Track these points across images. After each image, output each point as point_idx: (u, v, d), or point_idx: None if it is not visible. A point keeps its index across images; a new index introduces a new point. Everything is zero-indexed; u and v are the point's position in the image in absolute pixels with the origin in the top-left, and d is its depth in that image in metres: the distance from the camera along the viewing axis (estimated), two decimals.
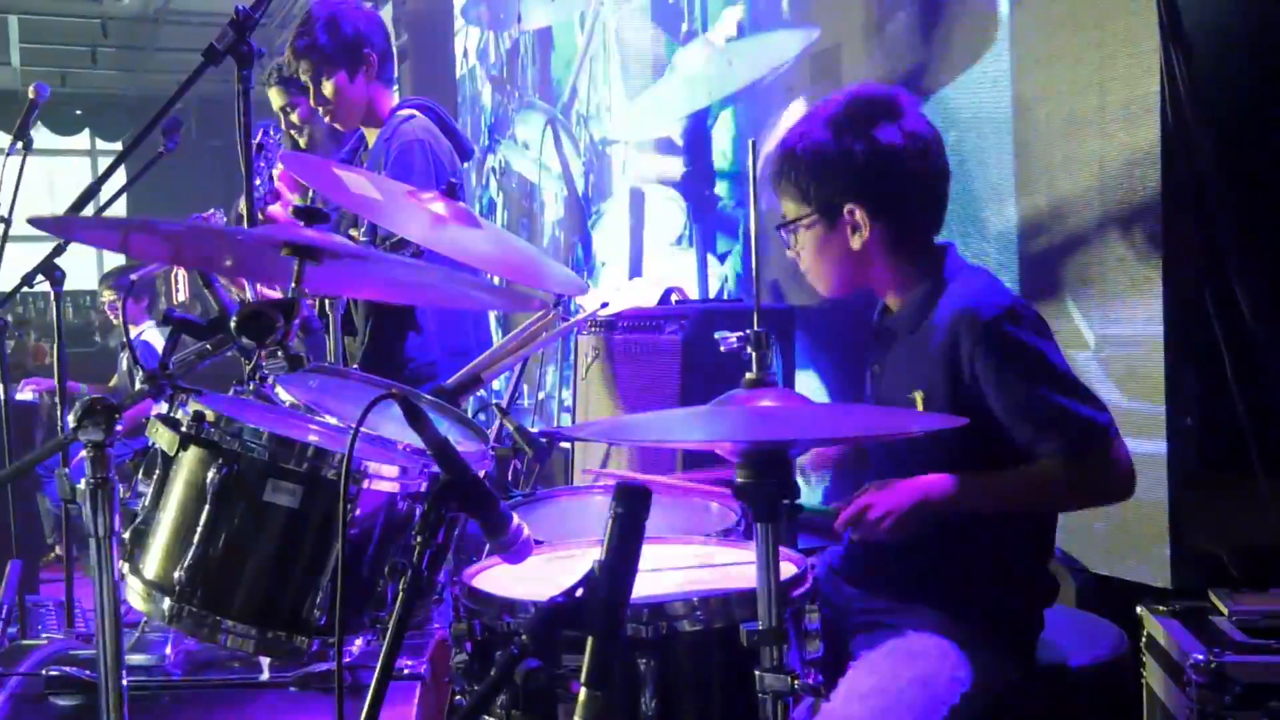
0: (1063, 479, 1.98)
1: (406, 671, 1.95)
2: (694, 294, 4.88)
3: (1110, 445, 1.99)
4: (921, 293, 2.13)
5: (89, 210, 2.99)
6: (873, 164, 2.06)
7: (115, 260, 12.06)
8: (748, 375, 1.65)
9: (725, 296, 4.86)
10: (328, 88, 3.53)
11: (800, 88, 4.34)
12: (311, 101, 3.60)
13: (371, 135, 3.62)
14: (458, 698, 1.85)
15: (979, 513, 2.02)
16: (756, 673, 1.51)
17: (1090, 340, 3.00)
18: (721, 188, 4.97)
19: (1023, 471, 2.00)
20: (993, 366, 1.97)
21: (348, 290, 2.74)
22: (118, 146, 13.38)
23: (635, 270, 5.71)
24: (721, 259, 4.94)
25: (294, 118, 4.11)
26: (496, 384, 2.84)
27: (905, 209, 2.13)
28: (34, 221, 1.63)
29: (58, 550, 6.52)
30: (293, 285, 1.70)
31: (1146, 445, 2.78)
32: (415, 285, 2.19)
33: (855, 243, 2.11)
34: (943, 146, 2.14)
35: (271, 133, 3.42)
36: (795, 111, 4.32)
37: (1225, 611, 2.32)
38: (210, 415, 1.75)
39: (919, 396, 2.08)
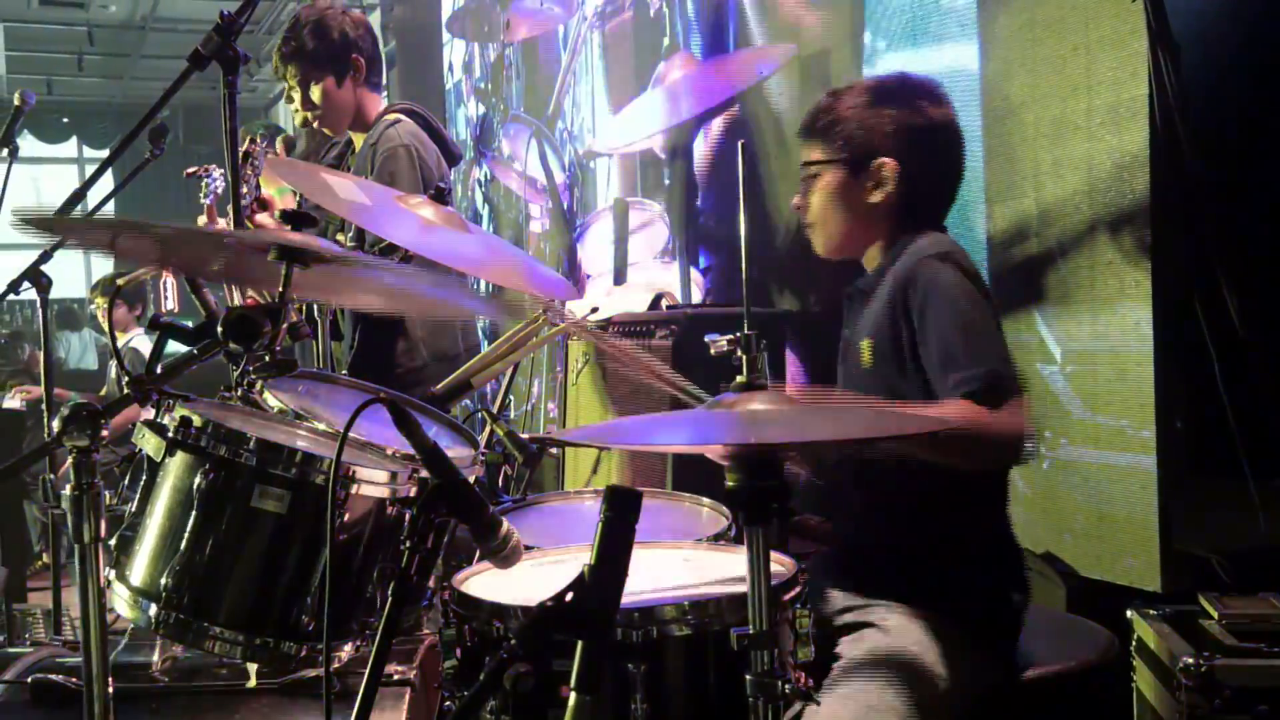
0: (951, 421, 1.89)
1: (395, 677, 1.94)
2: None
3: (998, 400, 1.92)
4: (889, 254, 2.19)
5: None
6: (914, 129, 2.16)
7: (104, 267, 12.04)
8: (738, 378, 1.64)
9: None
10: (315, 93, 3.52)
11: (790, 90, 4.35)
12: (299, 107, 3.59)
13: (359, 140, 3.61)
14: (447, 703, 1.84)
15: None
16: (747, 677, 1.51)
17: (1056, 355, 3.02)
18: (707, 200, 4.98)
19: (925, 408, 1.96)
20: (919, 299, 2.02)
21: (334, 297, 2.74)
22: (105, 154, 13.33)
23: (621, 276, 5.70)
24: (704, 273, 4.94)
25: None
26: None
27: (929, 184, 2.20)
28: (19, 214, 1.60)
29: (45, 558, 6.50)
30: (280, 289, 1.69)
31: (1136, 449, 2.79)
32: (402, 293, 2.18)
33: (875, 196, 2.17)
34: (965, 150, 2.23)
35: (258, 140, 3.41)
36: (787, 110, 4.34)
37: (1215, 615, 2.32)
38: (197, 420, 1.74)
39: (865, 346, 2.13)
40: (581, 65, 6.13)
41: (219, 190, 3.55)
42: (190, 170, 3.60)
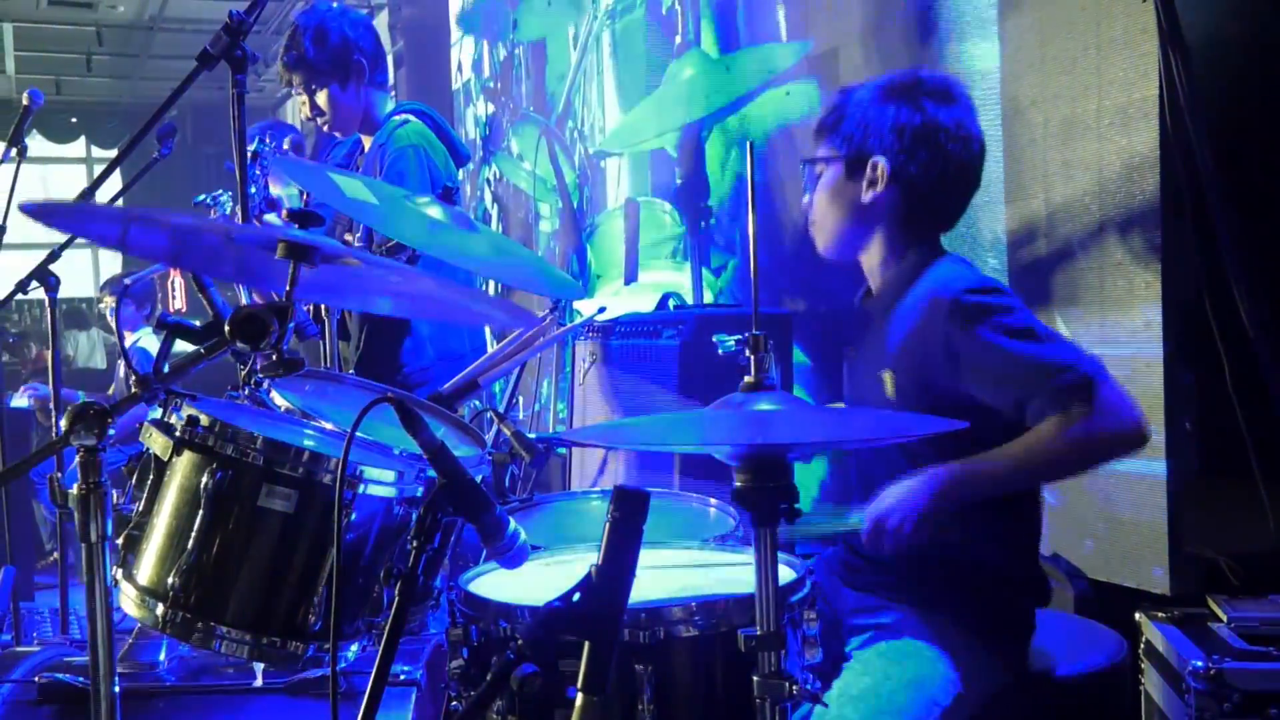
0: (1061, 435, 1.91)
1: (402, 677, 1.94)
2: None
3: (1100, 387, 1.92)
4: (900, 275, 2.15)
5: None
6: (913, 130, 2.11)
7: (112, 267, 12.07)
8: (746, 379, 1.64)
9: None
10: (321, 99, 3.52)
11: (797, 91, 4.34)
12: (308, 113, 3.59)
13: (369, 140, 3.61)
14: (454, 703, 1.84)
15: (993, 494, 1.99)
16: (754, 678, 1.50)
17: (1099, 332, 2.98)
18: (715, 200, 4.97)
19: (1022, 441, 1.95)
20: (965, 338, 1.97)
21: (339, 299, 2.73)
22: (113, 154, 13.32)
23: (631, 273, 5.70)
24: (716, 273, 4.93)
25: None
26: (495, 386, 2.82)
27: (926, 184, 2.14)
28: (26, 208, 1.60)
29: (53, 556, 6.50)
30: (287, 288, 1.68)
31: (1145, 454, 2.77)
32: (409, 295, 2.17)
33: (866, 195, 2.14)
34: (984, 156, 2.18)
35: (267, 140, 3.40)
36: (796, 115, 4.33)
37: (1224, 618, 2.31)
38: (204, 420, 1.74)
39: (888, 378, 2.09)
40: (592, 64, 6.13)
41: (229, 214, 3.55)
42: (199, 199, 3.61)
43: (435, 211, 2.16)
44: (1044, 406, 1.93)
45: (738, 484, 1.50)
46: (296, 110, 4.06)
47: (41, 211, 1.63)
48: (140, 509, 1.77)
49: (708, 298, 4.94)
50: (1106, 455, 2.06)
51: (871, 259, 2.22)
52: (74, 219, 1.97)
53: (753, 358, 1.63)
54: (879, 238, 2.18)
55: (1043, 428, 1.93)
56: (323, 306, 2.90)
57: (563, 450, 4.02)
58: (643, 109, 5.51)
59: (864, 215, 2.16)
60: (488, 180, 7.69)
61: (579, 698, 1.32)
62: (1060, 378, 1.91)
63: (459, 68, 8.16)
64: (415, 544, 1.48)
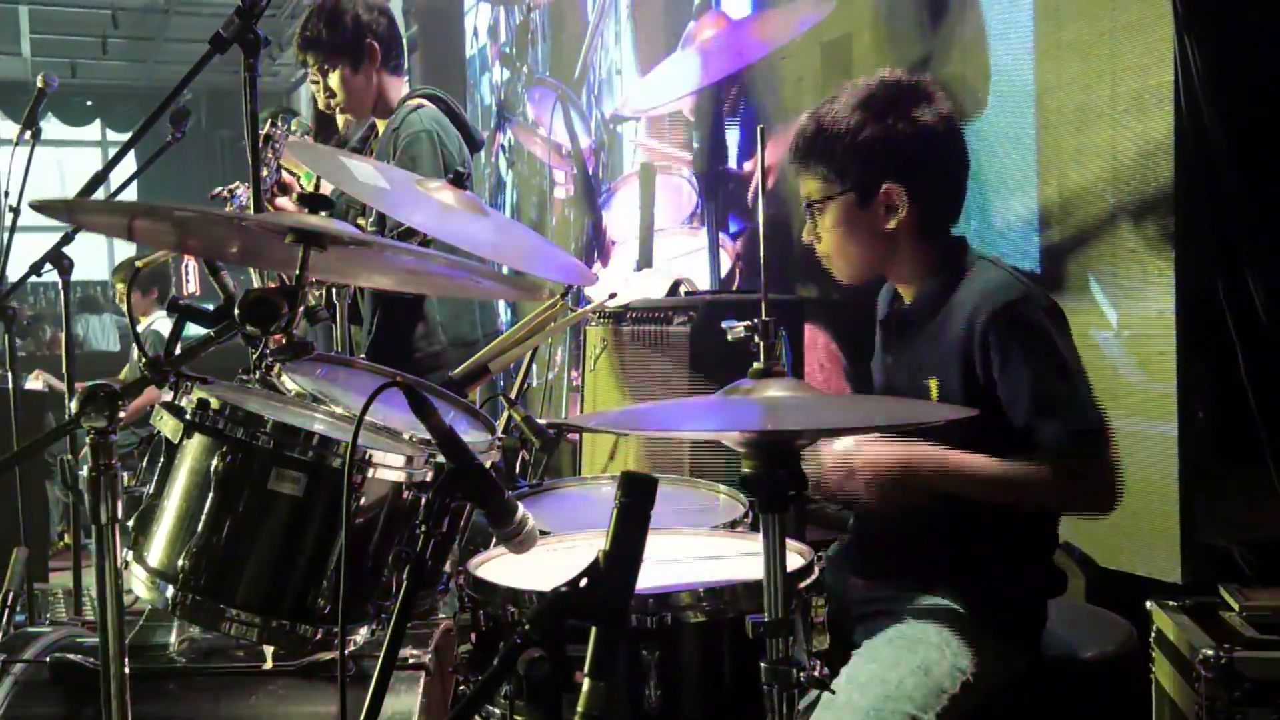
0: (1049, 476, 1.95)
1: (411, 661, 1.94)
2: (706, 271, 4.85)
3: (1101, 448, 1.97)
4: (939, 281, 2.13)
5: (97, 198, 2.99)
6: (914, 143, 2.07)
7: (126, 250, 12.11)
8: (755, 365, 1.64)
9: (738, 274, 4.83)
10: (334, 80, 3.52)
11: (810, 76, 4.32)
12: (322, 95, 3.59)
13: (382, 125, 3.61)
14: (462, 687, 1.84)
15: (960, 496, 1.99)
16: (762, 665, 1.50)
17: (1113, 320, 2.97)
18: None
19: (1014, 465, 1.97)
20: (1001, 347, 1.98)
21: (354, 278, 2.74)
22: (128, 137, 13.37)
23: (646, 249, 5.65)
24: (734, 238, 4.91)
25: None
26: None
27: (940, 191, 2.14)
28: (37, 206, 1.61)
29: (66, 538, 6.54)
30: (297, 272, 1.68)
31: (1158, 442, 2.77)
32: (422, 274, 2.18)
33: (890, 223, 2.10)
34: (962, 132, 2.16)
35: (279, 123, 3.41)
36: (808, 100, 4.30)
37: (1236, 607, 2.30)
38: (215, 403, 1.74)
39: (934, 385, 2.08)
40: (609, 26, 6.07)
41: (245, 206, 3.56)
42: (215, 192, 3.61)
43: (447, 196, 2.16)
44: (1043, 441, 1.96)
45: (745, 470, 1.50)
46: (309, 96, 4.06)
47: (49, 209, 1.64)
48: (151, 491, 1.78)
49: (725, 261, 4.88)
50: (1077, 511, 2.13)
51: (902, 274, 2.21)
52: (83, 215, 1.98)
53: (762, 344, 1.63)
54: (908, 255, 2.16)
55: (1035, 465, 1.96)
56: (334, 290, 2.90)
57: (574, 436, 4.02)
58: (661, 70, 5.45)
59: (889, 241, 2.13)
60: (503, 147, 7.65)
61: (586, 683, 1.32)
62: (1063, 427, 1.94)
63: (474, 33, 8.11)
64: (424, 528, 1.49)
